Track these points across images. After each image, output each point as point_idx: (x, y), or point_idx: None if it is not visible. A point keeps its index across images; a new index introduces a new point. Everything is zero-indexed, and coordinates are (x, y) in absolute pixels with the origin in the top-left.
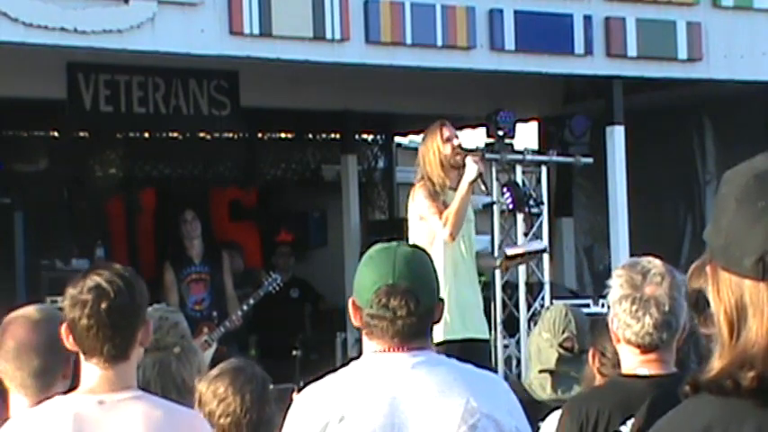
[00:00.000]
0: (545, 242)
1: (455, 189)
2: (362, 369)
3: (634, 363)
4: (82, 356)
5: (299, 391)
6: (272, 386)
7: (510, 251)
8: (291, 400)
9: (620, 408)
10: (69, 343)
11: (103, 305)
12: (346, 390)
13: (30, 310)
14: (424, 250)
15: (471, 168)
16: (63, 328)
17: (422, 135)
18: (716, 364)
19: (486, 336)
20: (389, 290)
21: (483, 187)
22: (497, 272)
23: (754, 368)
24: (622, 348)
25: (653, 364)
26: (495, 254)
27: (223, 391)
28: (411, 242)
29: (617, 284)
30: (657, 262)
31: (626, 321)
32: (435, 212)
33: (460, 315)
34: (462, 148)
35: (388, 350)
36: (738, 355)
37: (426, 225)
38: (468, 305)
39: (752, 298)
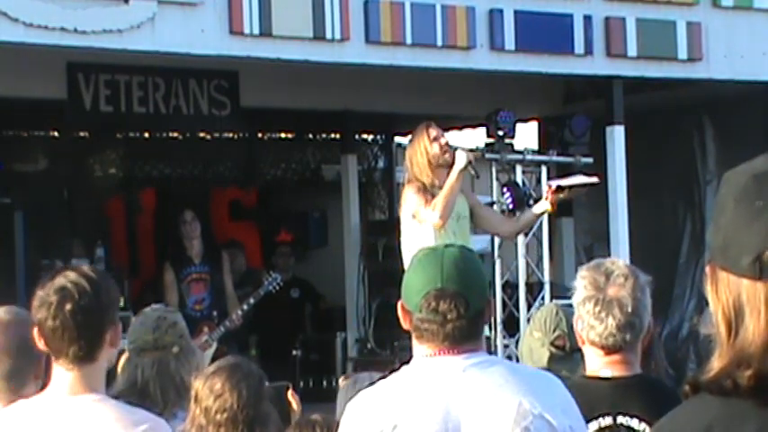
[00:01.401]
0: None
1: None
2: (414, 374)
3: (598, 364)
4: (52, 358)
5: (294, 389)
6: (266, 384)
7: (554, 183)
8: (286, 397)
9: (582, 410)
10: (41, 345)
11: (68, 306)
12: (399, 397)
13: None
14: (471, 251)
15: (461, 157)
16: (35, 330)
17: (408, 137)
18: (715, 363)
19: (486, 334)
20: (438, 294)
21: (473, 172)
22: (497, 262)
23: (750, 367)
24: (587, 350)
25: (617, 365)
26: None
27: (220, 387)
28: (403, 243)
29: (581, 286)
30: (621, 263)
31: (589, 323)
32: (424, 203)
33: None
34: (450, 146)
35: (439, 353)
36: (736, 355)
37: (418, 225)
38: None
39: (749, 297)
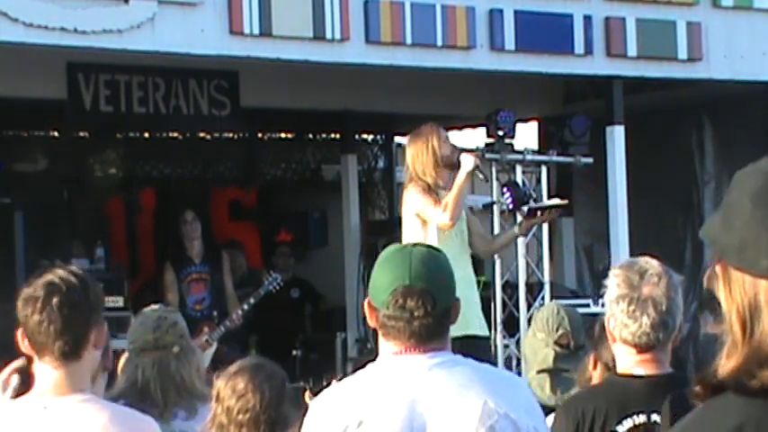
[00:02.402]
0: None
1: (447, 189)
2: (380, 372)
3: (630, 362)
4: (36, 359)
5: (311, 391)
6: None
7: (527, 207)
8: (304, 399)
9: (616, 407)
10: (24, 346)
11: (55, 300)
12: (364, 393)
13: None
14: (439, 250)
15: (468, 160)
16: (19, 332)
17: (407, 138)
18: (727, 363)
19: (485, 333)
20: (406, 291)
21: (482, 176)
22: (497, 263)
23: None
24: (618, 348)
25: (649, 363)
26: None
27: (242, 387)
28: (405, 242)
29: (614, 284)
30: (654, 262)
31: (623, 321)
32: (432, 203)
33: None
34: (457, 148)
35: (405, 351)
36: (754, 354)
37: (421, 224)
38: (465, 303)
39: (767, 298)
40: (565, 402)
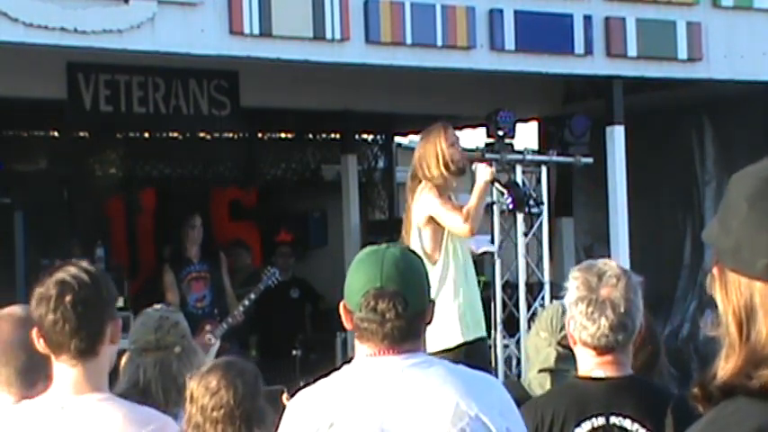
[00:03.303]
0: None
1: (452, 193)
2: (353, 373)
3: (590, 365)
4: (53, 358)
5: (289, 393)
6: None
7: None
8: (281, 401)
9: (575, 410)
10: (41, 345)
11: (68, 298)
12: (336, 395)
13: (16, 309)
14: (414, 252)
15: (484, 170)
16: (34, 331)
17: (419, 136)
18: (725, 365)
19: (484, 333)
20: (377, 293)
21: (500, 186)
22: (497, 263)
23: (766, 368)
24: (579, 350)
25: (609, 366)
26: None
27: (215, 385)
28: (413, 243)
29: (573, 286)
30: (613, 264)
31: (582, 323)
32: (451, 209)
33: (473, 317)
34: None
35: (380, 353)
36: (751, 356)
37: (434, 226)
38: (477, 306)
39: (762, 300)
40: (525, 406)
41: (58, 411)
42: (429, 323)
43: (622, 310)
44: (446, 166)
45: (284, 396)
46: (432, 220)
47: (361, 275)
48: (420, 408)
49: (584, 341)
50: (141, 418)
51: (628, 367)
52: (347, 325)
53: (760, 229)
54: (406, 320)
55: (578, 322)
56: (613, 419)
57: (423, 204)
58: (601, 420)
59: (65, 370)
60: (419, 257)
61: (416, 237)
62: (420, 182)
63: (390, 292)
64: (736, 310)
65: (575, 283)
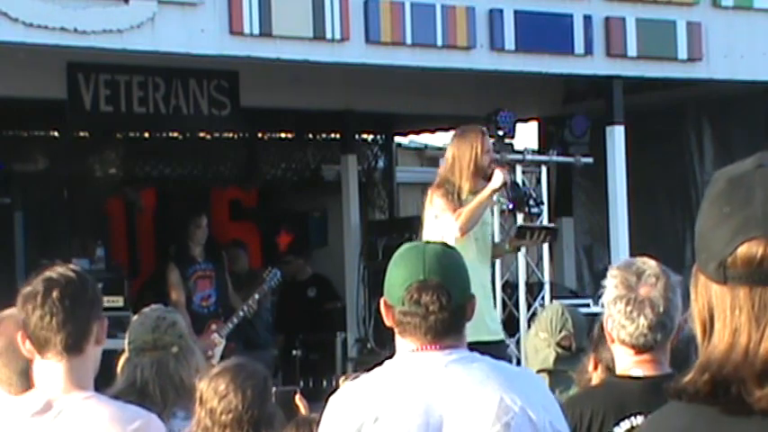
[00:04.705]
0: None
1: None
2: (397, 369)
3: (628, 363)
4: (37, 359)
5: (302, 393)
6: (275, 388)
7: (517, 226)
8: (294, 402)
9: (613, 409)
10: (25, 348)
11: (55, 293)
12: (381, 390)
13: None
14: (453, 247)
15: (498, 177)
16: (19, 335)
17: (453, 133)
18: (694, 367)
19: (499, 337)
20: (421, 286)
21: (505, 195)
22: (497, 263)
23: (708, 371)
24: (617, 349)
25: (647, 364)
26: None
27: (224, 388)
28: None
29: (612, 285)
30: (652, 263)
31: (620, 322)
32: (449, 209)
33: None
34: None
35: (422, 349)
36: (705, 359)
37: (439, 225)
38: (479, 308)
39: (716, 301)
40: (563, 404)
41: (44, 409)
42: (469, 319)
43: (661, 309)
44: (476, 170)
45: (297, 397)
46: (437, 218)
47: (403, 269)
48: (465, 403)
49: (622, 340)
50: (126, 415)
51: (666, 366)
52: (388, 321)
53: (714, 230)
54: (449, 313)
55: (617, 321)
56: None
57: (430, 206)
58: (640, 419)
59: (50, 367)
60: (459, 252)
61: (428, 237)
62: (442, 186)
63: (434, 285)
64: (701, 312)
65: (613, 281)
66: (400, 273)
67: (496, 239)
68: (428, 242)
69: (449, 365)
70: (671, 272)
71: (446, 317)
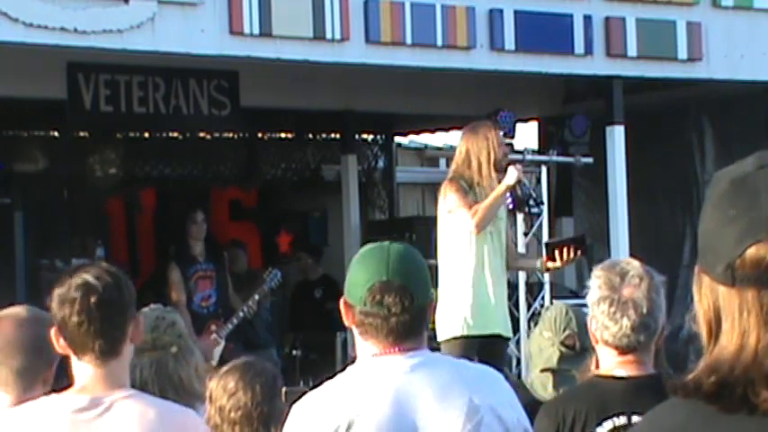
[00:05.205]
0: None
1: (491, 190)
2: (361, 374)
3: (612, 364)
4: (74, 358)
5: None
6: (285, 388)
7: (545, 244)
8: None
9: (596, 409)
10: (60, 346)
11: (93, 300)
12: (350, 395)
13: (18, 310)
14: (414, 249)
15: (512, 174)
16: (53, 331)
17: (462, 131)
18: (699, 366)
19: (508, 334)
20: (383, 286)
21: (519, 193)
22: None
23: (716, 373)
24: (600, 349)
25: (630, 365)
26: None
27: (233, 386)
28: (440, 239)
29: (595, 286)
30: (636, 263)
31: (604, 323)
32: (464, 205)
33: (481, 312)
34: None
35: (384, 352)
36: (713, 359)
37: (454, 219)
38: (490, 302)
39: (724, 303)
40: (546, 404)
41: (90, 405)
42: (430, 321)
43: (645, 310)
44: (494, 164)
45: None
46: (451, 213)
47: (365, 269)
48: (434, 406)
49: (605, 340)
50: (170, 413)
51: (649, 366)
52: (347, 321)
53: (719, 232)
54: (410, 316)
55: (600, 322)
56: (635, 419)
57: (445, 201)
58: (623, 419)
59: (88, 369)
60: (421, 254)
61: (443, 232)
62: (456, 181)
63: (397, 286)
64: (707, 313)
65: (597, 282)
66: (363, 272)
67: (521, 250)
68: (391, 242)
69: (413, 369)
70: (655, 272)
71: (407, 319)
